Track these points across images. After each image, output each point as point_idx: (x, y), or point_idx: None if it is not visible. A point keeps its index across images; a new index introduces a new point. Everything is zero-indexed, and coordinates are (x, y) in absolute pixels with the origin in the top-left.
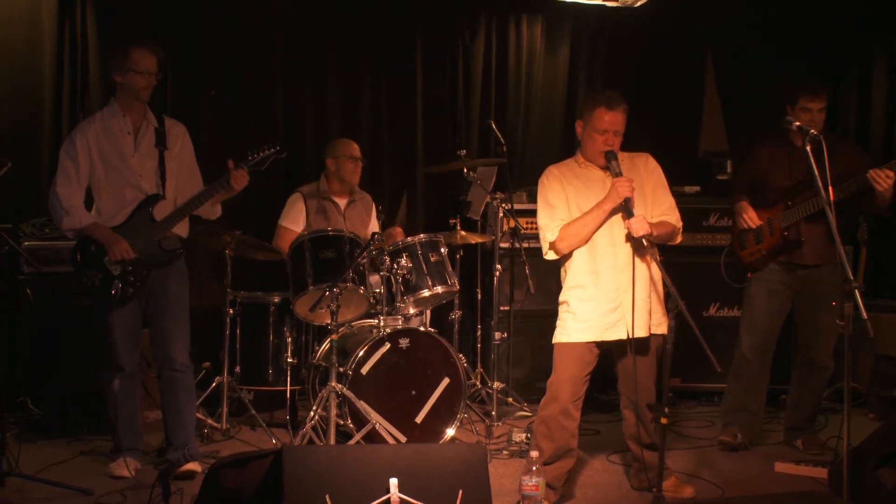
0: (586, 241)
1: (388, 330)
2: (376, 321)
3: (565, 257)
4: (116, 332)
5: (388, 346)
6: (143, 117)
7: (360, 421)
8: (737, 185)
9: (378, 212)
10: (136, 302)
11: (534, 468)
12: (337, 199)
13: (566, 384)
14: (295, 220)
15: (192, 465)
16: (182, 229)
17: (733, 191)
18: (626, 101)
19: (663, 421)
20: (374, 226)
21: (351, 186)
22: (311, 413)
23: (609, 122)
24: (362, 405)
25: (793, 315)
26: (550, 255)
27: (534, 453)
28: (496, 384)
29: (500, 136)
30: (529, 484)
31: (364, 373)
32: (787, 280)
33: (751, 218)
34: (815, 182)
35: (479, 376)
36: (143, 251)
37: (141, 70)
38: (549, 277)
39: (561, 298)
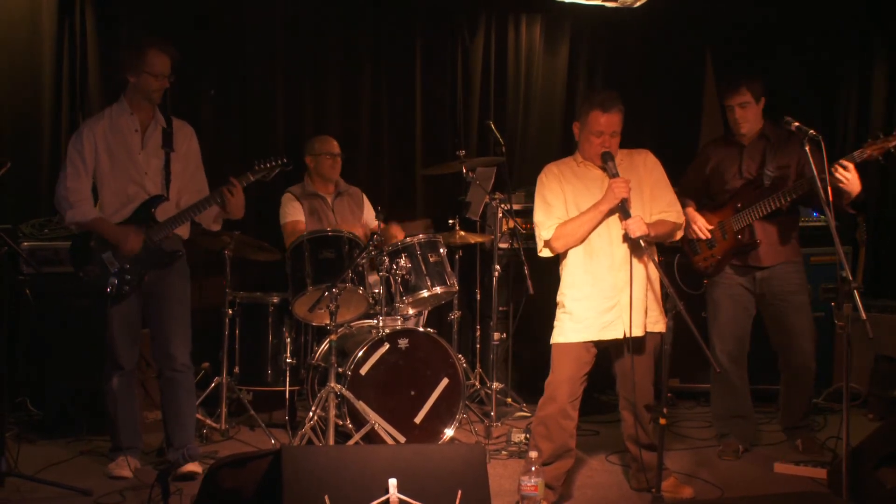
0: (581, 241)
1: (387, 330)
2: (375, 321)
3: (562, 257)
4: (115, 331)
5: (387, 346)
6: (152, 117)
7: (360, 421)
8: (683, 189)
9: (377, 212)
10: (136, 300)
11: (533, 468)
12: (323, 194)
13: (564, 384)
14: (296, 214)
15: (193, 466)
16: (183, 230)
17: (679, 194)
18: (624, 102)
19: (662, 421)
20: (371, 223)
21: (333, 181)
22: (310, 413)
23: (605, 124)
24: (361, 405)
25: (761, 320)
26: (545, 253)
27: (533, 453)
28: (495, 384)
29: (499, 136)
30: (528, 484)
31: (363, 373)
32: (746, 283)
33: (701, 228)
34: (815, 182)
35: (478, 377)
36: (143, 250)
37: (156, 73)
38: (549, 278)
39: (558, 299)
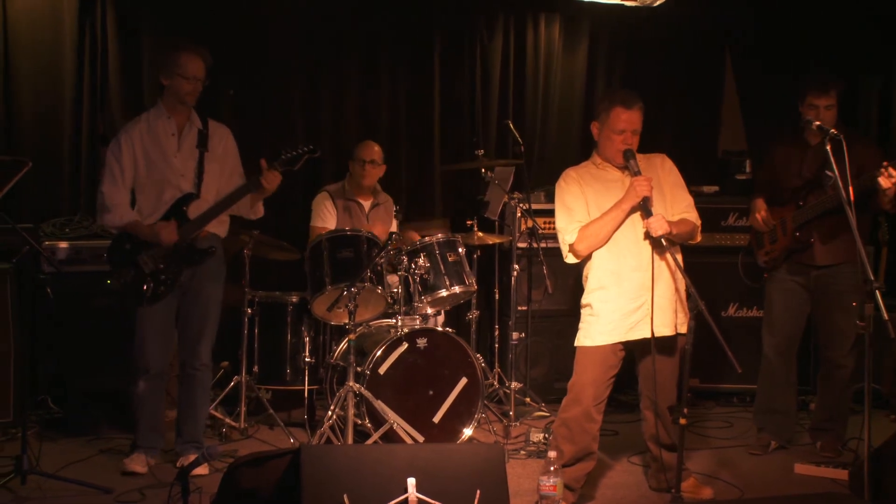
0: (605, 242)
1: (405, 330)
2: (394, 321)
3: (587, 259)
4: (146, 332)
5: (405, 345)
6: (188, 119)
7: (378, 420)
8: (756, 185)
9: (395, 212)
10: (171, 302)
11: (552, 468)
12: (361, 201)
13: (588, 387)
14: (326, 219)
15: (200, 469)
16: (220, 228)
17: (753, 189)
18: (643, 101)
19: (682, 421)
20: (392, 226)
21: (372, 188)
22: (329, 412)
23: (627, 120)
24: (380, 405)
25: (811, 315)
26: (570, 259)
27: (552, 453)
28: (514, 384)
29: (517, 135)
30: (548, 484)
31: (381, 372)
32: (802, 280)
33: (763, 219)
34: (836, 182)
35: (496, 376)
36: (176, 249)
37: (188, 76)
38: (567, 278)
39: (584, 301)
